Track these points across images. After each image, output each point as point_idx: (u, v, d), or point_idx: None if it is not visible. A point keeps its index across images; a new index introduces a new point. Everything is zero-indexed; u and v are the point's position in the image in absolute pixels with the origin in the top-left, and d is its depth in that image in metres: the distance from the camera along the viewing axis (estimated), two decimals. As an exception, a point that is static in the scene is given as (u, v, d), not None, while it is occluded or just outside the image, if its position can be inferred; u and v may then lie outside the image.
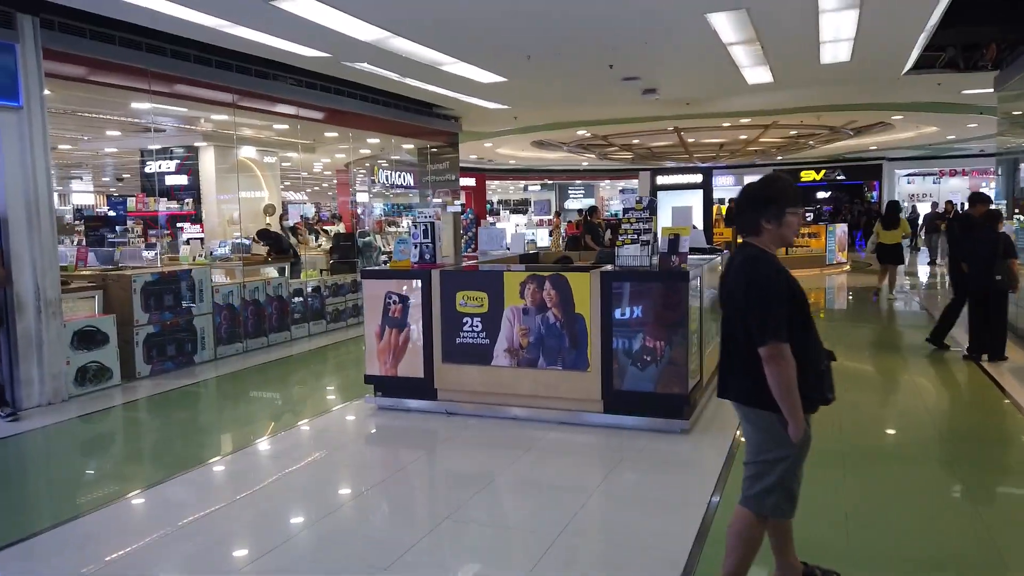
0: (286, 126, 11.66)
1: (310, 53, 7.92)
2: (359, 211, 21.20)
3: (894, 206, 12.42)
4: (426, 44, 7.45)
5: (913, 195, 30.27)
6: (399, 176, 17.87)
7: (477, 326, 5.85)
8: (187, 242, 11.37)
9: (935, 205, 21.60)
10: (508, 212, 32.65)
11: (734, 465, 4.68)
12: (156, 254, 9.07)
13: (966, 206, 26.67)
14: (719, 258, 7.31)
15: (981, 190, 8.77)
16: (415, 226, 6.25)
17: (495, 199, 35.83)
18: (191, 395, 7.21)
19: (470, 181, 28.13)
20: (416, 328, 6.06)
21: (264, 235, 11.19)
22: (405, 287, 6.09)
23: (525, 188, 34.74)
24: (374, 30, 6.78)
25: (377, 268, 6.64)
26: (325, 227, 19.73)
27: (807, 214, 21.99)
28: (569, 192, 34.58)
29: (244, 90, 9.31)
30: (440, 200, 15.54)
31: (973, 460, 4.97)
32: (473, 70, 8.82)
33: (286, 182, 29.12)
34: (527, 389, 5.75)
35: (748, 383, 2.76)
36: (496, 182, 32.91)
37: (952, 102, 13.51)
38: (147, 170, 13.85)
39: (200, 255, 10.50)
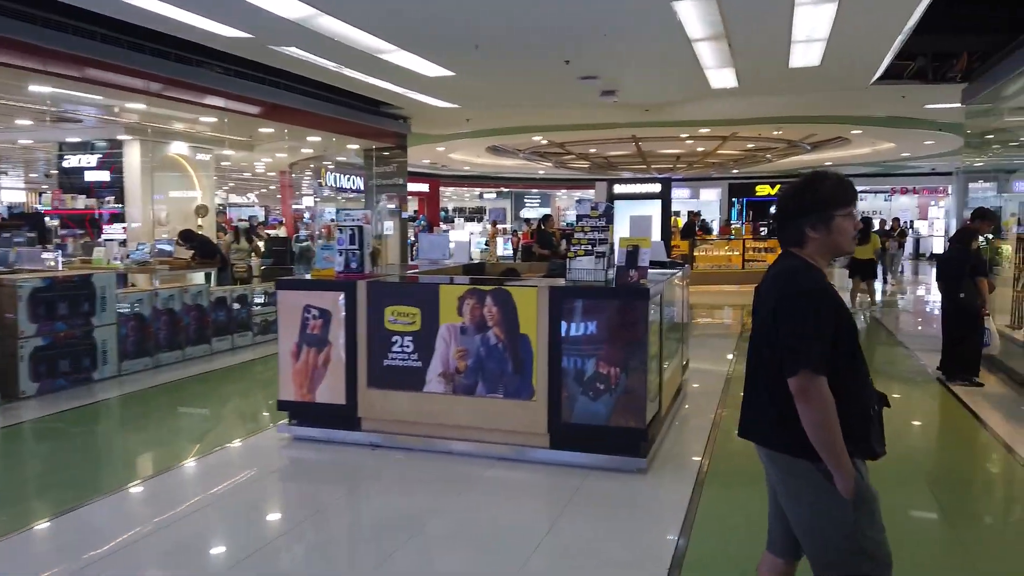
0: (215, 119, 10.72)
1: (230, 33, 7.07)
2: (304, 215, 20.25)
3: (866, 221, 12.52)
4: (360, 26, 6.66)
5: (863, 212, 30.47)
6: (348, 180, 17.02)
7: (408, 346, 5.11)
8: (102, 244, 10.40)
9: (897, 221, 21.71)
10: (463, 220, 31.97)
11: (699, 512, 4.12)
12: (57, 256, 8.08)
13: (913, 224, 26.94)
14: (680, 273, 6.69)
15: (984, 205, 8.42)
16: (340, 231, 5.47)
17: (451, 206, 35.12)
18: (79, 419, 6.27)
19: (423, 187, 27.41)
20: (338, 347, 5.28)
21: (188, 237, 10.24)
22: (326, 300, 5.30)
23: (481, 196, 34.09)
24: (299, 6, 5.98)
25: (294, 278, 5.84)
26: (268, 231, 18.76)
27: (762, 228, 21.77)
28: (525, 201, 34.03)
29: (164, 77, 8.42)
30: (394, 206, 14.76)
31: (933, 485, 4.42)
32: (416, 60, 8.06)
33: (229, 183, 28.05)
34: (464, 419, 5.03)
35: (776, 422, 2.19)
36: (451, 189, 32.19)
37: (914, 117, 13.28)
38: (65, 164, 12.73)
39: (115, 258, 9.56)
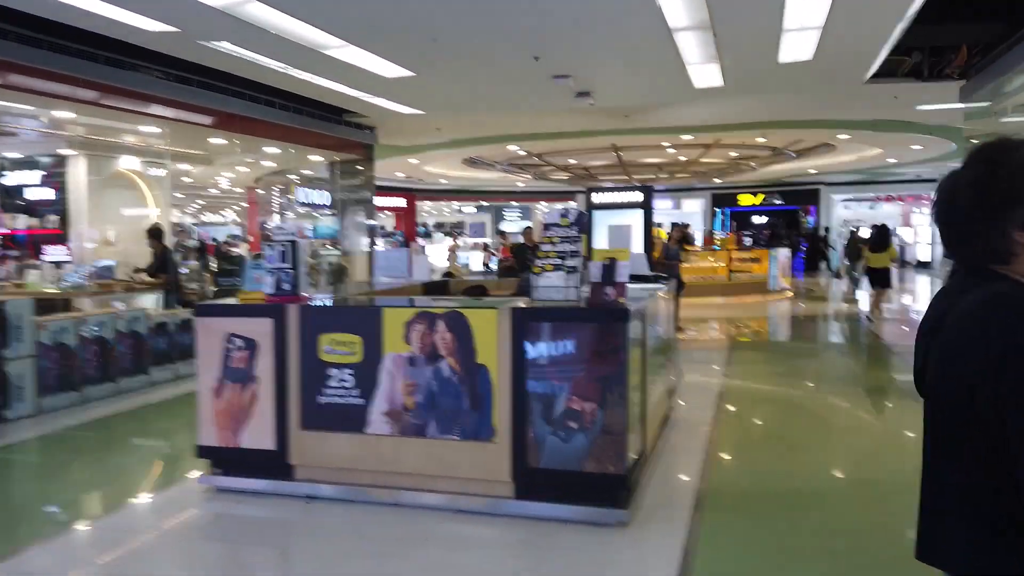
0: (159, 130, 9.93)
1: (152, 27, 6.30)
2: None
3: (884, 230, 11.96)
4: (296, 16, 5.91)
5: (847, 221, 30.09)
6: (320, 195, 16.30)
7: (347, 380, 4.35)
8: (37, 266, 9.56)
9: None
10: (442, 234, 31.28)
11: (694, 573, 3.48)
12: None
13: (897, 231, 26.32)
14: (665, 288, 5.96)
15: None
16: (270, 247, 4.71)
17: (431, 221, 34.43)
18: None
19: (400, 201, 26.74)
20: (266, 383, 4.50)
21: (156, 234, 9.38)
22: (252, 328, 4.53)
23: (459, 210, 33.41)
24: (220, -11, 5.25)
25: (214, 303, 5.07)
26: (231, 249, 17.97)
27: (746, 238, 21.21)
28: (505, 214, 33.33)
29: (96, 82, 7.65)
30: (375, 222, 14.05)
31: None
32: (369, 57, 7.31)
33: (199, 201, 27.14)
34: (414, 465, 4.28)
35: (996, 539, 1.38)
36: (429, 203, 31.48)
37: (904, 119, 12.74)
38: (4, 182, 11.88)
39: (52, 281, 8.75)
